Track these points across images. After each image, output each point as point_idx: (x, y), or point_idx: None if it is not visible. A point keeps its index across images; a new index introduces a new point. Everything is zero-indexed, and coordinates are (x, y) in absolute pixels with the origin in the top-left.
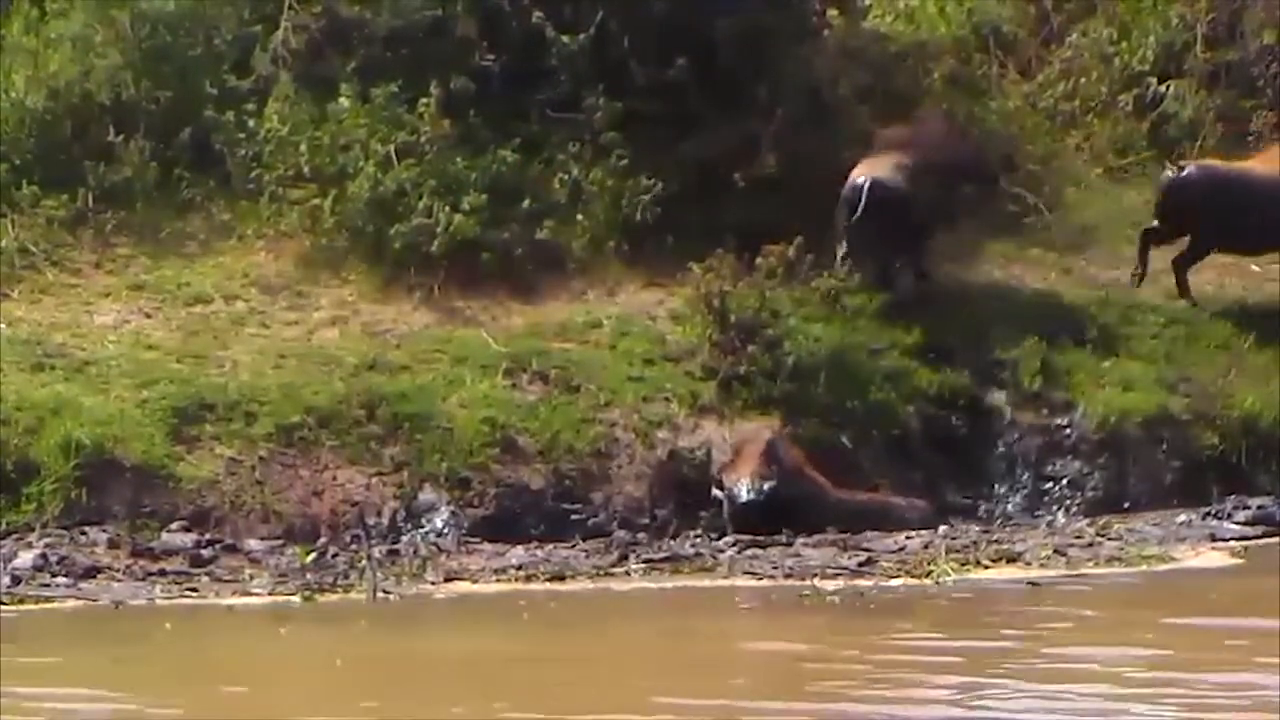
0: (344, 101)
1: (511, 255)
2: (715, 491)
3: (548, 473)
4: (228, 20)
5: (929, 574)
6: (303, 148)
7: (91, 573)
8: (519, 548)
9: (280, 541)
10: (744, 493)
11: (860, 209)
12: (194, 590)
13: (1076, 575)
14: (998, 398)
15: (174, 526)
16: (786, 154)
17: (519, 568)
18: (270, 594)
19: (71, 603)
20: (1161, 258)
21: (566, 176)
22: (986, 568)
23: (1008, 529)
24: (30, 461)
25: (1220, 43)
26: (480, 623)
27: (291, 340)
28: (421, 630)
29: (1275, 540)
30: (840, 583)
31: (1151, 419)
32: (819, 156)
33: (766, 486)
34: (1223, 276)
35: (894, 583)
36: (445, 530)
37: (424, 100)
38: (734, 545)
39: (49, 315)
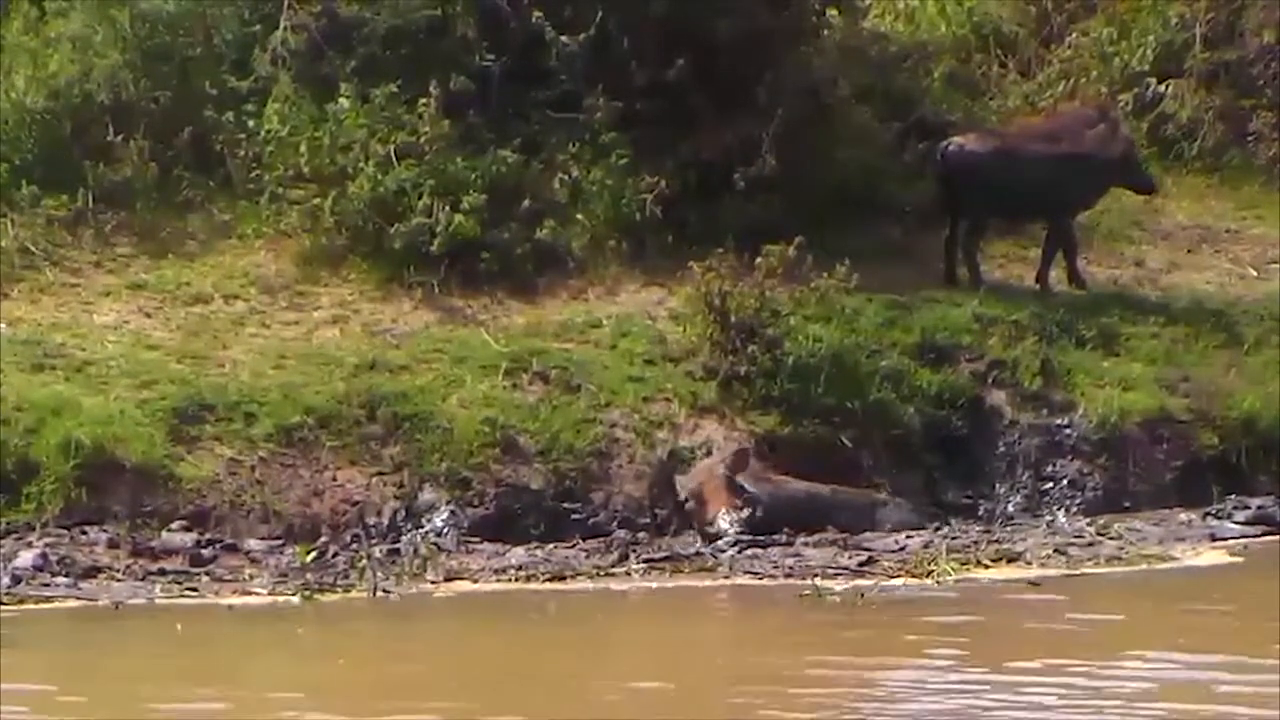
0: (344, 101)
1: (511, 255)
2: (706, 528)
3: (548, 473)
4: (228, 20)
5: (929, 574)
6: (303, 148)
7: (91, 573)
8: (519, 548)
9: (280, 541)
10: (730, 529)
11: (938, 169)
12: (194, 590)
13: (1077, 575)
14: (998, 398)
15: (174, 526)
16: (786, 154)
17: (519, 568)
18: (270, 594)
19: (71, 603)
20: (1161, 256)
21: (566, 176)
22: (987, 567)
23: (1008, 529)
24: (30, 461)
25: (1219, 42)
26: (481, 622)
27: (291, 340)
28: (421, 629)
29: (1275, 540)
30: (840, 582)
31: (1151, 419)
32: (819, 156)
33: (744, 516)
34: (1223, 276)
35: (894, 582)
36: (445, 530)
37: (424, 100)
38: (734, 545)
39: (49, 315)
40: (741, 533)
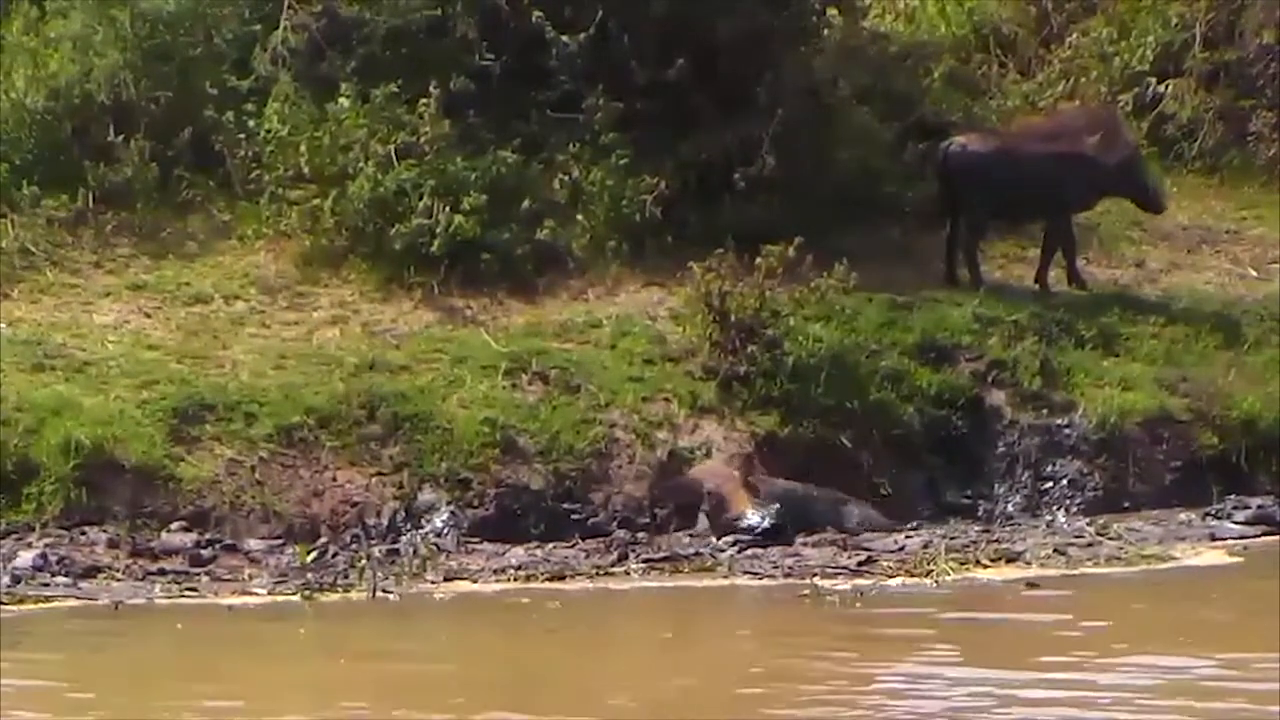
0: (344, 101)
1: (511, 255)
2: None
3: (548, 473)
4: (228, 20)
5: (929, 573)
6: (303, 148)
7: (91, 573)
8: (519, 548)
9: (280, 541)
10: (762, 523)
11: (939, 169)
12: (194, 590)
13: (1077, 575)
14: (998, 398)
15: (174, 526)
16: (786, 154)
17: (519, 568)
18: (270, 594)
19: (71, 603)
20: (1161, 257)
21: (566, 176)
22: (986, 567)
23: (1007, 529)
24: (30, 461)
25: (1219, 42)
26: (481, 622)
27: (291, 340)
28: (421, 629)
29: (1275, 540)
30: (840, 582)
31: (1151, 419)
32: (819, 156)
33: (773, 509)
34: (1223, 276)
35: (893, 582)
36: (445, 530)
37: (424, 100)
38: (734, 545)
39: (49, 315)
40: (773, 526)
